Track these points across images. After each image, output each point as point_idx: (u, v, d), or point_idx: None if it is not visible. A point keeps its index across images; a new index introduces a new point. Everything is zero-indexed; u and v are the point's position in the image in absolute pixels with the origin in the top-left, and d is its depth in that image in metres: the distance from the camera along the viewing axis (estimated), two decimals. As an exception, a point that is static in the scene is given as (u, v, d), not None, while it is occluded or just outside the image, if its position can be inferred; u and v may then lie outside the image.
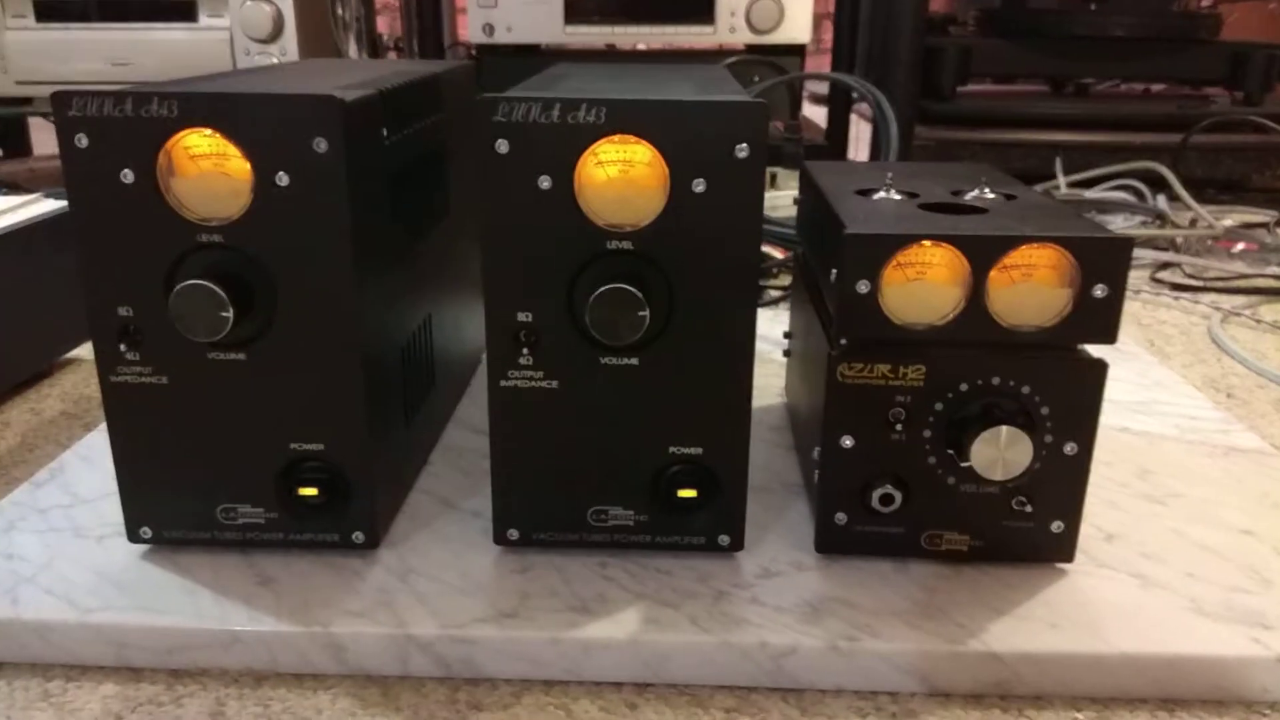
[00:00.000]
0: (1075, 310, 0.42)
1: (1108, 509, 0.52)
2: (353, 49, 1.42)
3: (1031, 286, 0.42)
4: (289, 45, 1.32)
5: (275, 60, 1.30)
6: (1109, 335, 0.43)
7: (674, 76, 0.53)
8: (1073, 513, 0.45)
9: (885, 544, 0.47)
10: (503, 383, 0.44)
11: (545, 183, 0.41)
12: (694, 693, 0.42)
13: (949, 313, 0.43)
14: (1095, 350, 0.44)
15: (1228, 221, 1.11)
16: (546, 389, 0.44)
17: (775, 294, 0.89)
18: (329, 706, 0.41)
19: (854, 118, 1.45)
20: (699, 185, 0.41)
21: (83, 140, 0.41)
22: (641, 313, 0.41)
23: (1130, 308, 0.93)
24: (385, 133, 0.47)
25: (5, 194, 0.80)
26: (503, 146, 0.41)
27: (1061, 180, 1.25)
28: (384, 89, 0.46)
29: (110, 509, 0.50)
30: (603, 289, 0.41)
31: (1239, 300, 0.94)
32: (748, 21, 1.38)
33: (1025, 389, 0.43)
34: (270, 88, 0.43)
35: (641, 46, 1.55)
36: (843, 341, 0.44)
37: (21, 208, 0.73)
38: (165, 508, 0.46)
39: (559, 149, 0.41)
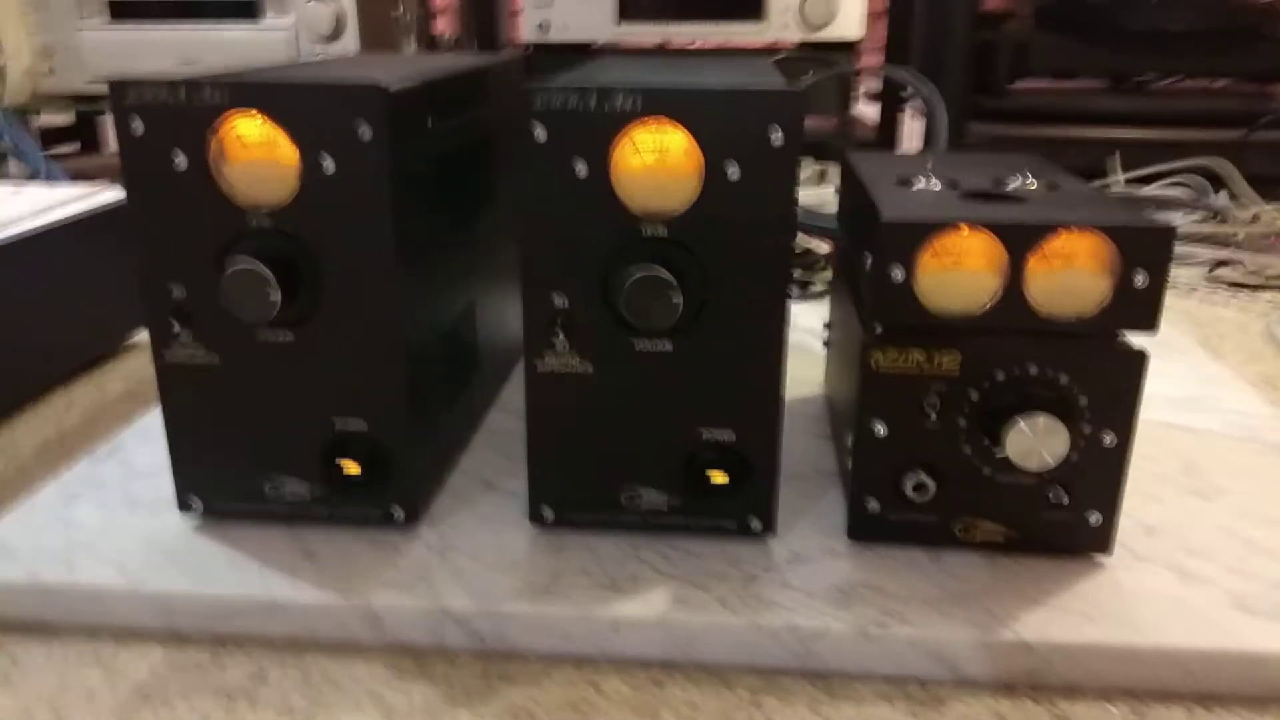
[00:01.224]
0: (1115, 299, 0.42)
1: (1150, 503, 0.51)
2: (412, 48, 1.45)
3: (1071, 275, 0.42)
4: (350, 44, 1.35)
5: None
6: (1150, 324, 0.42)
7: (714, 66, 0.54)
8: (1111, 504, 0.45)
9: (919, 532, 0.47)
10: (538, 366, 0.45)
11: (582, 170, 0.42)
12: (721, 673, 0.42)
13: (986, 301, 0.43)
14: (1140, 340, 0.43)
15: (1292, 219, 1.08)
16: (581, 373, 0.45)
17: (819, 287, 0.89)
18: (366, 676, 0.42)
19: (906, 115, 1.44)
20: (733, 172, 0.42)
21: (139, 127, 0.43)
22: (675, 299, 0.42)
23: (1186, 305, 0.91)
24: (430, 121, 0.48)
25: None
26: (540, 134, 0.42)
27: (1120, 177, 1.23)
28: (428, 79, 0.47)
29: (165, 484, 0.52)
30: (637, 275, 0.41)
31: (1302, 299, 0.92)
32: (800, 18, 1.38)
33: (1063, 378, 0.43)
34: (318, 77, 0.44)
35: (695, 44, 1.56)
36: (877, 329, 0.44)
37: (87, 197, 0.76)
38: (214, 480, 0.48)
39: (595, 136, 0.42)
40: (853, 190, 0.53)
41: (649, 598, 0.43)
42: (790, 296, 0.44)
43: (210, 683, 0.42)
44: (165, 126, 0.42)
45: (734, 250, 0.43)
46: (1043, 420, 0.42)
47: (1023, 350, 0.43)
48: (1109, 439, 0.44)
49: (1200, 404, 0.63)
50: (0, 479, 0.58)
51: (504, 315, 0.66)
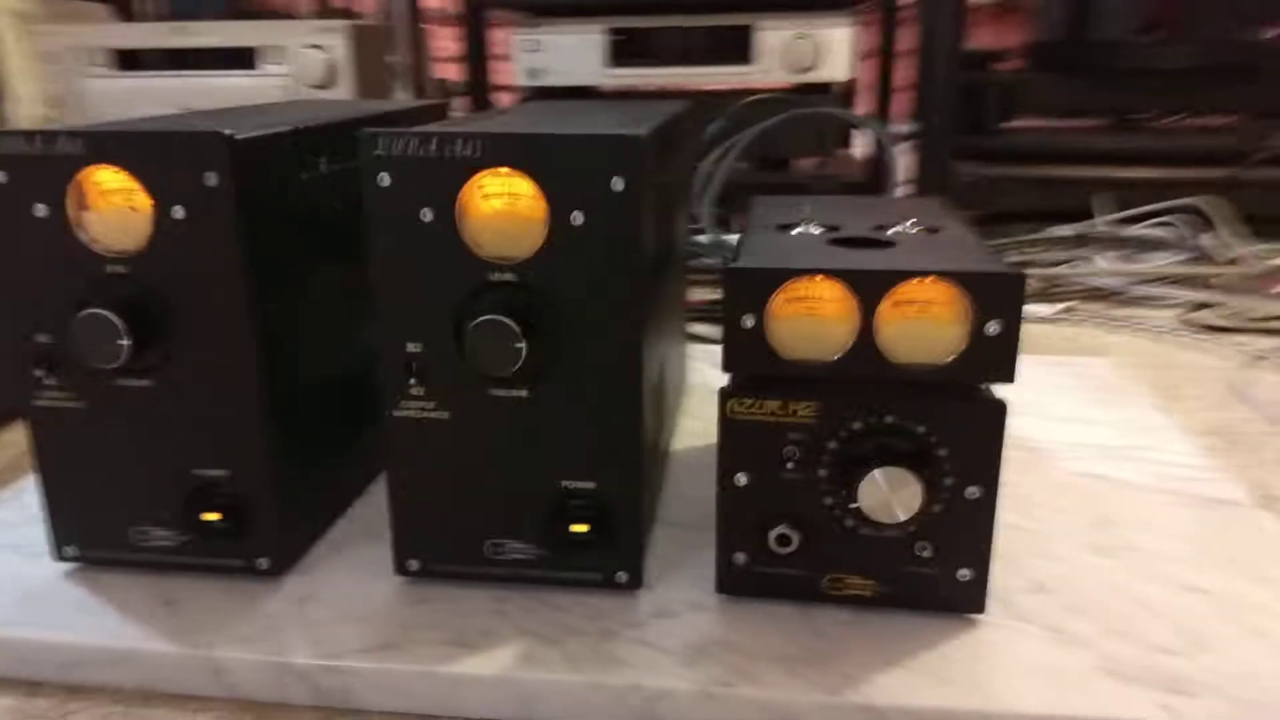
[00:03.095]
0: (969, 348, 0.40)
1: (1046, 560, 0.49)
2: (405, 95, 1.47)
3: (922, 323, 0.41)
4: (343, 92, 1.38)
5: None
6: (1006, 374, 0.41)
7: (596, 111, 0.54)
8: (980, 560, 0.43)
9: (787, 586, 0.45)
10: (396, 413, 0.45)
11: (427, 215, 0.42)
12: (565, 733, 0.41)
13: (838, 349, 0.41)
14: (1001, 390, 0.42)
15: (1282, 260, 1.05)
16: (438, 419, 0.45)
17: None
18: (203, 729, 0.41)
19: (900, 154, 1.42)
20: (577, 218, 0.41)
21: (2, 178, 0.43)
22: (516, 345, 0.41)
23: (1156, 348, 0.88)
24: (297, 169, 0.48)
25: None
26: (384, 180, 0.42)
27: (1105, 217, 1.20)
28: (292, 128, 0.48)
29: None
30: (474, 321, 0.41)
31: (1277, 342, 0.89)
32: (786, 61, 1.38)
33: (920, 429, 0.42)
34: (169, 127, 0.45)
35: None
36: (731, 377, 0.43)
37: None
38: (87, 528, 0.48)
39: (439, 182, 0.41)
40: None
41: (496, 654, 0.42)
42: (640, 345, 0.43)
43: (48, 733, 0.41)
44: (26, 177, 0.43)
45: (583, 296, 0.42)
46: (894, 472, 0.41)
47: (880, 400, 0.42)
48: (973, 492, 0.42)
49: (1132, 454, 0.61)
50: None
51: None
